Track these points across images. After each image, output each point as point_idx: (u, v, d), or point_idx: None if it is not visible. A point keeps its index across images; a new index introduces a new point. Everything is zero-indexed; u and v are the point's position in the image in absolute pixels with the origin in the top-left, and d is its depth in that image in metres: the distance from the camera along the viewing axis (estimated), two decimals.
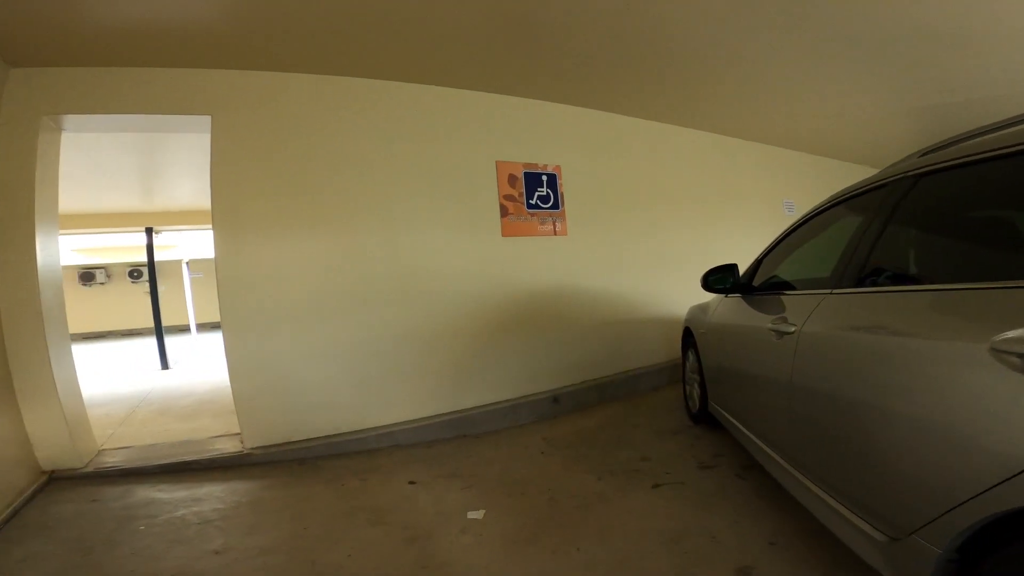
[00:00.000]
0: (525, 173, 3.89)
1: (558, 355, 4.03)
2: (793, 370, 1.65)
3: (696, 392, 3.18)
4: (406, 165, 3.48)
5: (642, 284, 4.48)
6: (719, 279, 2.50)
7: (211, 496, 2.59)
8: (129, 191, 5.83)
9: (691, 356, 3.33)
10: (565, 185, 4.05)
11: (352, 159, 3.32)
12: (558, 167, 4.03)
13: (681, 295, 4.60)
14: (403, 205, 3.46)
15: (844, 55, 3.36)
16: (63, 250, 3.88)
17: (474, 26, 2.79)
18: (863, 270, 1.51)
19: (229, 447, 3.16)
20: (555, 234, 4.00)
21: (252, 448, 3.06)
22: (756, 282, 2.41)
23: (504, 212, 3.79)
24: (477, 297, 3.69)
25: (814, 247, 2.09)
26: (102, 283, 13.61)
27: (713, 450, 2.83)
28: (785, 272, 2.22)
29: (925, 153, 1.52)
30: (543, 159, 3.98)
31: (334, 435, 3.22)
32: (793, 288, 2.06)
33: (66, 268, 10.82)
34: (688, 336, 3.36)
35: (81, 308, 12.21)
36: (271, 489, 2.67)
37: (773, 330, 1.85)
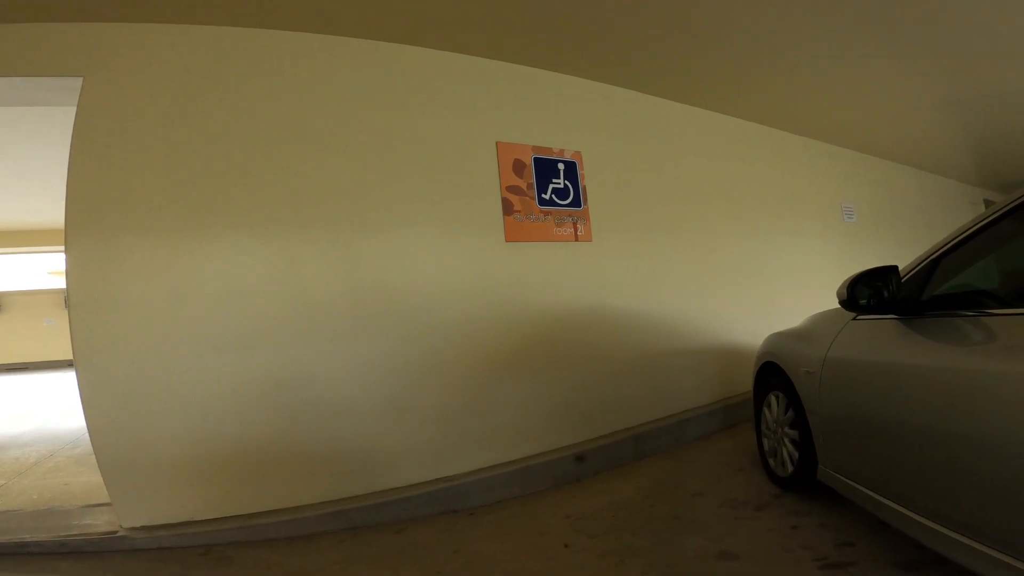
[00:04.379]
0: (536, 159, 2.98)
1: (580, 397, 3.04)
2: None
3: (787, 450, 2.23)
4: (369, 146, 2.58)
5: (686, 304, 3.55)
6: (864, 290, 1.57)
7: None
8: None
9: (776, 402, 2.38)
10: (588, 177, 3.15)
11: (290, 138, 2.42)
12: (578, 154, 3.13)
13: (735, 317, 3.71)
14: (364, 199, 2.55)
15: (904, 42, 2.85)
16: None
17: None
18: None
19: (101, 523, 2.23)
20: (576, 239, 3.06)
21: (131, 528, 2.14)
22: (927, 296, 1.49)
23: (508, 209, 2.86)
24: (471, 322, 2.73)
25: None
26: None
27: (834, 535, 1.85)
28: (1007, 281, 1.30)
29: None
30: (559, 143, 3.08)
31: (258, 513, 2.25)
32: None
33: None
34: (770, 375, 2.41)
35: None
36: None
37: None
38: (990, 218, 1.35)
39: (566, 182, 3.06)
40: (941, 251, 1.47)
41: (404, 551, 2.10)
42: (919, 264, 1.52)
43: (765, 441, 2.54)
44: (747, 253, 3.94)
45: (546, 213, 2.98)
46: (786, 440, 2.27)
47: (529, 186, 2.96)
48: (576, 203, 3.07)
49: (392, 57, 2.68)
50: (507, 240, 2.87)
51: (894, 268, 1.53)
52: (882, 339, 1.61)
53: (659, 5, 2.47)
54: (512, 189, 2.90)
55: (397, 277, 2.57)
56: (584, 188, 3.11)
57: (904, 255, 1.62)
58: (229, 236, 2.29)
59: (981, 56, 3.01)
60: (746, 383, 2.82)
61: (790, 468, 2.23)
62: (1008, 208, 1.30)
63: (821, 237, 4.46)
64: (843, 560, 1.68)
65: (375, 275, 2.53)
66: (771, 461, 2.45)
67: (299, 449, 2.36)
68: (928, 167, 5.87)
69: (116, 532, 2.14)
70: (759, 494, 2.34)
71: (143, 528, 2.14)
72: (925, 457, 1.39)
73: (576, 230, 3.06)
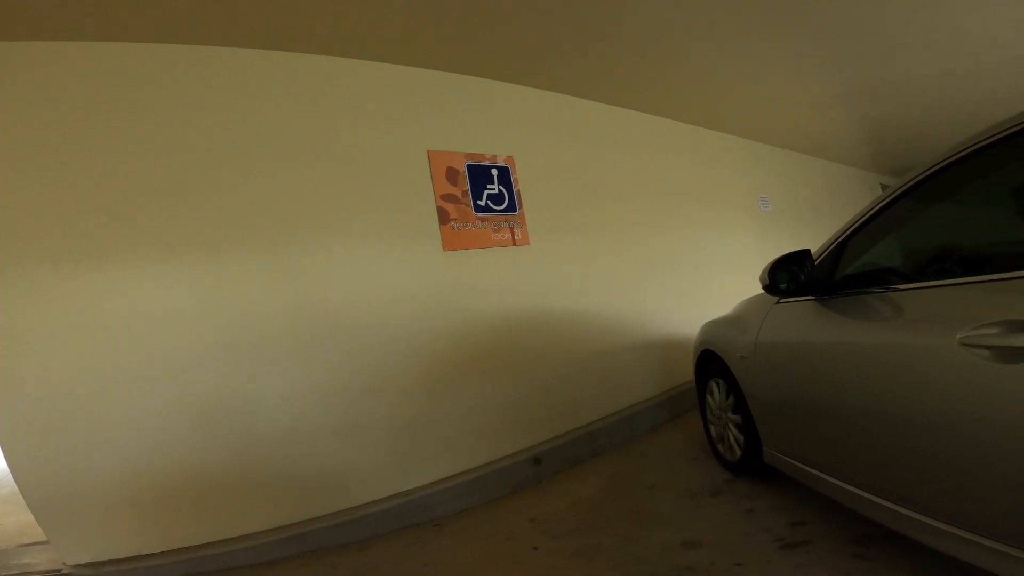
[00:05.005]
0: (469, 166, 2.96)
1: (531, 400, 3.04)
2: None
3: (733, 436, 2.30)
4: (300, 161, 2.47)
5: (624, 299, 3.62)
6: (783, 275, 1.65)
7: None
8: None
9: (717, 389, 2.46)
10: (521, 181, 3.16)
11: (211, 156, 2.28)
12: (510, 159, 3.13)
13: (671, 309, 3.83)
14: (297, 216, 2.43)
15: (809, 40, 3.02)
16: None
17: None
18: None
19: (43, 562, 2.12)
20: (514, 244, 3.06)
21: (76, 566, 2.00)
22: (839, 276, 1.58)
23: (444, 218, 2.82)
24: (414, 335, 2.66)
25: (988, 208, 1.27)
26: None
27: (787, 516, 1.92)
28: (910, 258, 1.40)
29: None
30: (492, 148, 3.08)
31: (213, 543, 2.11)
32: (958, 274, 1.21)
33: None
34: (709, 362, 2.49)
35: None
36: None
37: (983, 347, 0.99)
38: (886, 200, 1.45)
39: (500, 187, 3.05)
40: (846, 233, 1.56)
41: (372, 569, 2.02)
42: (828, 247, 1.61)
43: (712, 428, 2.61)
44: (676, 246, 4.06)
45: (483, 220, 2.96)
46: (731, 426, 2.34)
47: (464, 193, 2.93)
48: (512, 208, 3.07)
49: (320, 69, 2.58)
50: (445, 249, 2.82)
51: (807, 252, 1.61)
52: (802, 320, 1.69)
53: (578, 10, 2.51)
54: (447, 198, 2.86)
55: (335, 294, 2.47)
56: (518, 192, 3.12)
57: (816, 239, 1.72)
58: (148, 261, 2.12)
59: (874, 48, 3.22)
60: (688, 372, 2.91)
61: (738, 453, 2.30)
62: (901, 191, 1.40)
63: (742, 227, 4.70)
64: (799, 539, 1.74)
65: (312, 293, 2.41)
66: (720, 447, 2.52)
67: (249, 475, 2.22)
68: (832, 156, 6.31)
69: (60, 570, 2.01)
70: (713, 481, 2.40)
71: (89, 565, 1.99)
72: (853, 432, 1.45)
73: (513, 235, 3.06)
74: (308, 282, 2.42)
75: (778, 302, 1.88)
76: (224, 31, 2.25)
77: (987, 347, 0.99)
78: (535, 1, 2.36)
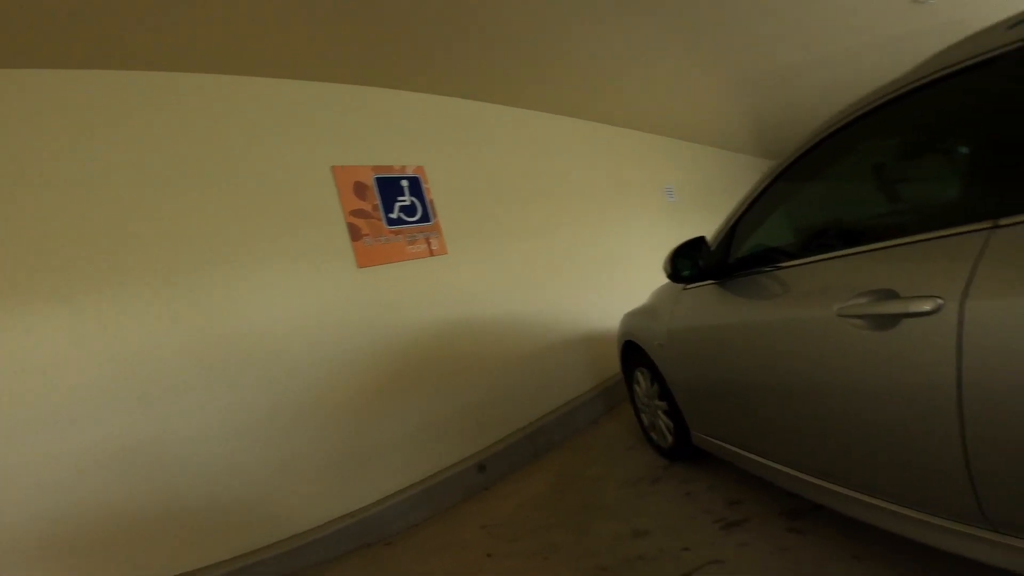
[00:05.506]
0: (377, 179, 2.85)
1: (470, 409, 3.01)
2: (961, 370, 0.85)
3: (664, 422, 2.37)
4: (198, 185, 2.28)
5: (547, 300, 3.65)
6: (684, 263, 1.71)
7: None
8: None
9: (642, 378, 2.53)
10: (434, 190, 3.09)
11: (96, 185, 2.05)
12: (420, 168, 3.06)
13: (593, 303, 3.91)
14: (198, 243, 2.24)
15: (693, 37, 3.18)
16: None
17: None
18: None
19: None
20: (431, 254, 2.99)
21: None
22: (733, 258, 1.66)
23: (356, 234, 2.71)
24: (338, 356, 2.55)
25: (847, 185, 1.37)
26: None
27: (724, 496, 2.01)
28: (793, 233, 1.49)
29: (1016, 24, 0.89)
30: (400, 159, 2.99)
31: None
32: (834, 248, 1.29)
33: None
34: (632, 352, 2.56)
35: None
36: None
37: (857, 317, 1.05)
38: (764, 184, 1.54)
39: (412, 198, 2.97)
40: (735, 218, 1.65)
41: None
42: (721, 232, 1.69)
43: (643, 417, 2.68)
44: (591, 241, 4.14)
45: (396, 232, 2.87)
46: (660, 413, 2.40)
47: (375, 207, 2.82)
48: (426, 218, 3.00)
49: (213, 89, 2.39)
50: (360, 266, 2.71)
51: (702, 239, 1.69)
52: (705, 304, 1.77)
53: (474, 16, 2.49)
54: (357, 213, 2.75)
55: (246, 322, 2.31)
56: (431, 202, 3.06)
57: (718, 224, 1.80)
58: (23, 309, 1.87)
59: (753, 41, 3.43)
60: (616, 364, 2.99)
61: (670, 439, 2.36)
62: (777, 173, 1.50)
63: (652, 217, 4.89)
64: (738, 518, 1.81)
65: (221, 323, 2.25)
66: (653, 435, 2.59)
67: (179, 514, 2.08)
68: (726, 146, 6.73)
69: None
70: (651, 468, 2.47)
71: None
72: (759, 410, 1.52)
73: (430, 245, 2.99)
74: (215, 312, 2.24)
75: (684, 289, 1.96)
76: (106, 53, 2.03)
77: (861, 316, 1.06)
78: (418, 8, 2.32)
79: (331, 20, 2.27)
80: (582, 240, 4.07)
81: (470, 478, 2.77)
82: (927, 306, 0.90)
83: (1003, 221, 0.83)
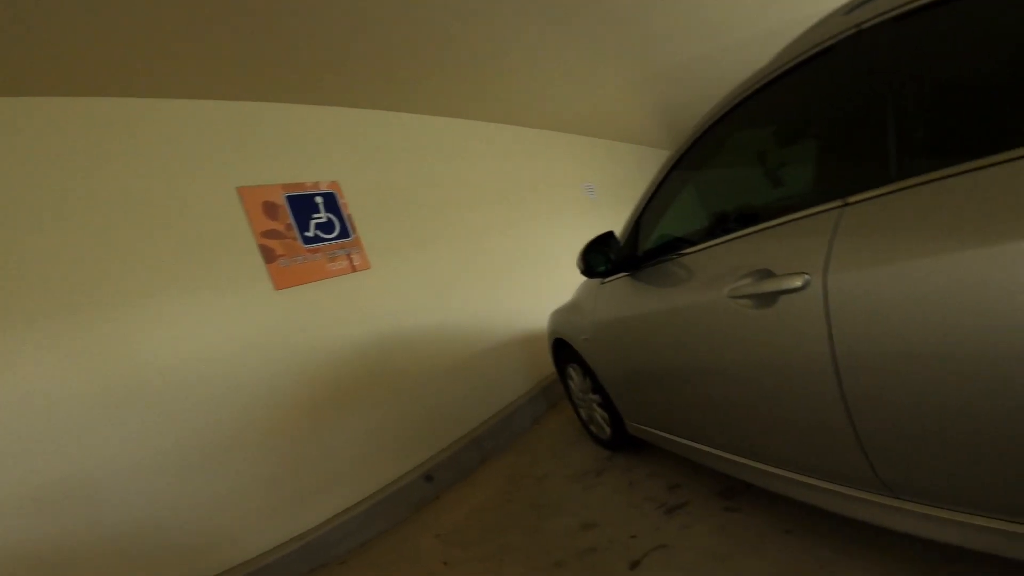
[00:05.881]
0: (289, 198, 2.73)
1: (410, 421, 2.96)
2: (833, 341, 0.91)
3: (600, 415, 2.43)
4: (94, 216, 2.10)
5: (477, 305, 3.64)
6: (597, 258, 1.75)
7: None
8: None
9: (575, 373, 2.58)
10: (351, 205, 3.00)
11: None
12: (335, 183, 2.97)
13: (522, 305, 3.95)
14: (99, 277, 2.09)
15: (598, 36, 3.24)
16: None
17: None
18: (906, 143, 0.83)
19: None
20: (354, 270, 2.91)
21: None
22: (642, 251, 1.72)
23: (270, 256, 2.58)
24: (263, 381, 2.45)
25: (728, 174, 1.44)
26: None
27: (662, 481, 2.08)
28: (689, 222, 1.56)
29: (852, 9, 0.98)
30: (312, 176, 2.88)
31: None
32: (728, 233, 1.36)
33: None
34: (562, 349, 2.60)
35: None
36: None
37: (743, 297, 1.11)
38: (661, 178, 1.61)
39: (328, 215, 2.87)
40: (639, 212, 1.71)
41: None
42: (627, 225, 1.75)
43: (581, 411, 2.72)
44: (516, 243, 4.16)
45: (314, 251, 2.76)
46: (595, 406, 2.45)
47: (288, 227, 2.70)
48: (344, 234, 2.91)
49: (104, 113, 2.21)
50: (278, 288, 2.58)
51: (611, 233, 1.74)
52: (621, 296, 1.82)
53: (371, 25, 2.44)
54: (269, 234, 2.62)
55: (155, 356, 2.18)
56: (349, 217, 2.97)
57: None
58: None
59: (655, 35, 3.56)
60: (551, 363, 3.02)
61: (608, 431, 2.41)
62: (669, 168, 1.57)
63: (572, 216, 4.99)
64: (679, 502, 1.88)
65: (125, 360, 2.10)
66: (593, 428, 2.64)
67: (114, 555, 1.98)
68: (640, 141, 6.99)
69: None
70: (595, 461, 2.52)
71: None
72: (676, 393, 1.59)
73: (351, 261, 2.90)
74: (118, 350, 2.09)
75: (602, 283, 2.01)
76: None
77: (747, 296, 1.12)
78: (313, 21, 2.25)
79: (224, 36, 2.15)
80: (507, 243, 4.09)
81: (418, 489, 2.75)
82: (797, 282, 0.97)
83: (851, 199, 0.91)
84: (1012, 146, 0.71)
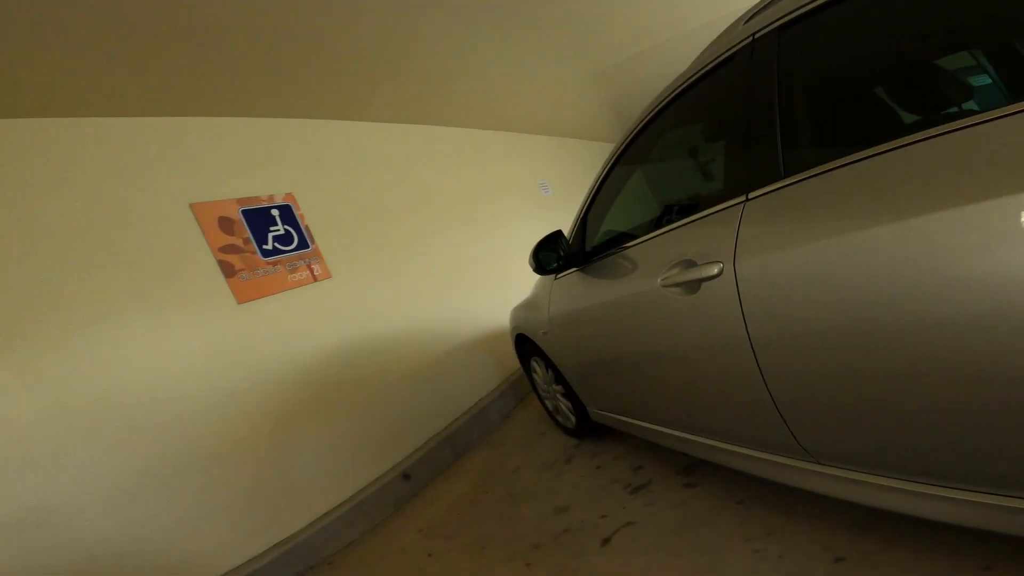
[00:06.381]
0: (244, 212, 2.74)
1: (384, 423, 3.03)
2: (747, 322, 1.03)
3: (564, 405, 2.54)
4: (39, 240, 2.06)
5: (440, 306, 3.71)
6: (548, 256, 1.85)
7: None
8: None
9: (538, 367, 2.68)
10: (308, 216, 3.02)
11: None
12: (290, 195, 2.98)
13: (484, 303, 4.03)
14: (43, 306, 2.05)
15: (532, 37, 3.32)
16: None
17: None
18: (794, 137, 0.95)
19: None
20: (315, 280, 2.93)
21: None
22: (589, 247, 1.83)
23: (230, 271, 2.58)
24: (232, 394, 2.47)
25: (658, 174, 1.56)
26: None
27: (627, 463, 2.21)
28: (628, 219, 1.67)
29: (751, 17, 1.09)
30: (267, 189, 2.88)
31: None
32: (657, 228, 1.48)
33: None
34: (525, 344, 2.70)
35: None
36: None
37: (673, 285, 1.23)
38: (601, 177, 1.72)
39: (286, 227, 2.88)
40: (585, 210, 1.82)
41: None
42: (574, 224, 1.86)
43: (547, 403, 2.83)
44: (474, 243, 4.24)
45: (274, 263, 2.77)
46: (559, 396, 2.56)
47: (246, 241, 2.70)
48: (303, 245, 2.93)
49: (55, 135, 2.19)
50: (240, 302, 2.59)
51: (559, 232, 1.84)
52: (573, 290, 1.93)
53: (314, 35, 2.47)
54: (227, 249, 2.62)
55: (116, 379, 2.16)
56: (307, 228, 2.98)
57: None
58: None
59: (596, 34, 3.65)
60: (516, 359, 3.12)
61: (573, 419, 2.53)
62: (607, 169, 1.68)
63: (529, 213, 5.09)
64: (642, 481, 2.00)
65: (83, 385, 2.09)
66: (559, 418, 2.75)
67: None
68: (592, 136, 7.14)
69: None
70: (563, 449, 2.64)
71: None
72: (627, 379, 1.70)
73: (312, 271, 2.92)
74: (75, 376, 2.07)
75: (555, 279, 2.12)
76: None
77: (676, 285, 1.24)
78: (256, 33, 2.27)
79: (169, 54, 2.15)
80: (466, 243, 4.17)
81: (397, 488, 2.83)
82: (714, 270, 1.09)
83: (751, 194, 1.03)
84: (882, 140, 0.82)
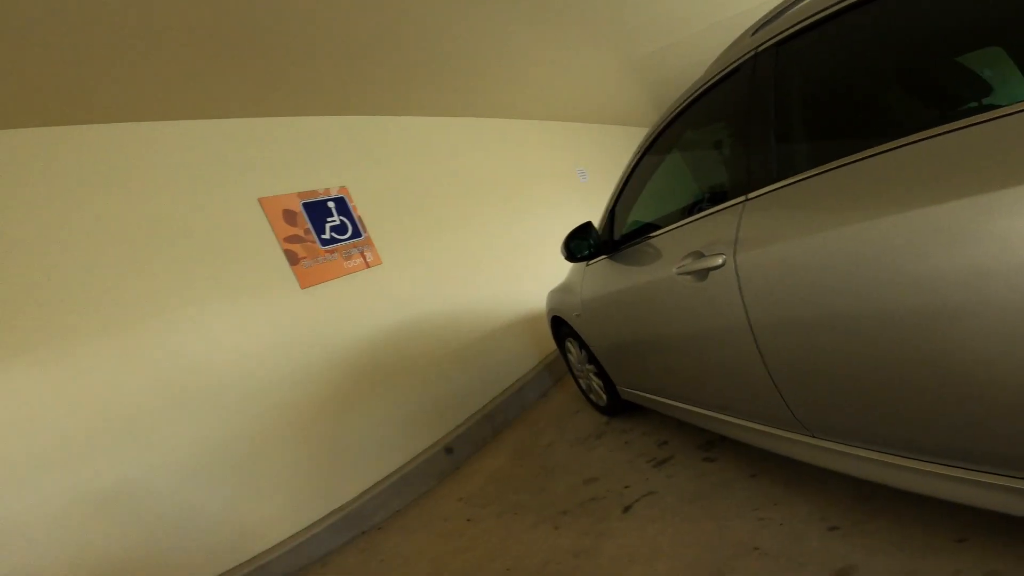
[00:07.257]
0: (305, 205, 3.02)
1: (429, 400, 3.30)
2: (747, 308, 1.17)
3: (596, 383, 2.70)
4: (132, 235, 2.41)
5: (484, 289, 3.93)
6: (579, 245, 2.01)
7: None
8: None
9: (572, 347, 2.85)
10: (360, 207, 3.29)
11: (25, 248, 2.14)
12: (344, 188, 3.25)
13: (524, 287, 4.22)
14: (143, 295, 2.39)
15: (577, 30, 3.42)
16: None
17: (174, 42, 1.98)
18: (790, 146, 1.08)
19: None
20: (368, 266, 3.20)
21: None
22: (617, 236, 1.98)
23: (294, 259, 2.88)
24: (296, 373, 2.78)
25: (678, 170, 1.69)
26: None
27: (653, 439, 2.37)
28: (651, 211, 1.81)
29: (757, 30, 1.19)
30: (322, 183, 3.16)
31: None
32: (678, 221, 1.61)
33: None
34: (560, 325, 2.87)
35: None
36: None
37: (687, 273, 1.37)
38: (627, 175, 1.85)
39: (341, 218, 3.16)
40: (613, 203, 1.96)
41: None
42: (604, 216, 2.00)
43: (581, 382, 3.00)
44: (516, 229, 4.42)
45: (331, 252, 3.06)
46: (591, 375, 2.73)
47: (307, 232, 3.00)
48: (357, 234, 3.20)
49: (130, 138, 2.50)
50: (303, 287, 2.89)
51: (589, 223, 1.99)
52: (603, 276, 2.08)
53: (365, 38, 2.66)
54: (291, 239, 2.91)
55: (202, 360, 2.50)
56: (360, 218, 3.25)
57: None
58: None
59: (632, 24, 3.74)
60: (551, 340, 3.30)
61: (604, 397, 2.68)
62: (633, 164, 1.81)
63: (567, 199, 5.21)
64: (666, 456, 2.15)
65: (175, 366, 2.43)
66: (592, 397, 2.92)
67: (179, 540, 2.30)
68: (628, 122, 7.07)
69: None
70: (595, 426, 2.81)
71: None
72: (654, 358, 1.83)
73: (365, 258, 3.20)
74: (167, 358, 2.41)
75: (588, 265, 2.27)
76: (19, 110, 2.11)
77: (688, 273, 1.38)
78: (312, 39, 2.50)
79: (235, 59, 2.40)
80: (507, 229, 4.35)
81: (440, 461, 3.08)
82: (719, 260, 1.23)
83: (751, 195, 1.16)
84: (866, 147, 0.91)
